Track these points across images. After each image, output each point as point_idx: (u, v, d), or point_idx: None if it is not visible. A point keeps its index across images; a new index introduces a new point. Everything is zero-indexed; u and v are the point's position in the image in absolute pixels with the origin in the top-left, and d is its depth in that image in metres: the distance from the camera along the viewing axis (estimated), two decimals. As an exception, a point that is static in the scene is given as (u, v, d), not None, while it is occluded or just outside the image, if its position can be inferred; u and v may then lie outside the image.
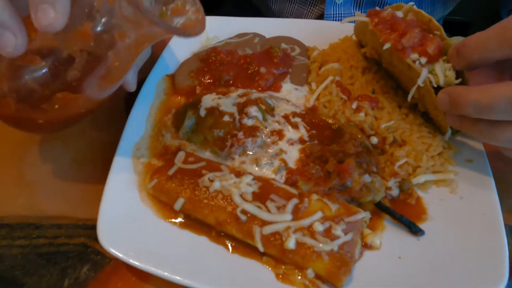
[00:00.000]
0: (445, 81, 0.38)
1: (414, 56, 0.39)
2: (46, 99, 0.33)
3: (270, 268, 0.34)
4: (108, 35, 0.33)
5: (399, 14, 0.43)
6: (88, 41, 0.33)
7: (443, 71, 0.38)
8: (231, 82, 0.47)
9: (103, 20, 0.33)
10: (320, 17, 0.75)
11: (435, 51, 0.39)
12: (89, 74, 0.34)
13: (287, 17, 0.80)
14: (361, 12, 0.73)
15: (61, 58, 0.33)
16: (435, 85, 0.38)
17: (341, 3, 0.72)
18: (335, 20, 0.74)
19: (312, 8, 0.75)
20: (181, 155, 0.39)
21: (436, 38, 0.39)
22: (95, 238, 0.35)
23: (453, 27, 1.42)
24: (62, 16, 0.28)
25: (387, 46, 0.40)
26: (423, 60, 0.38)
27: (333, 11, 0.73)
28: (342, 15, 0.73)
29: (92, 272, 0.37)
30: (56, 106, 0.34)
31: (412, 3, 0.44)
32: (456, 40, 0.39)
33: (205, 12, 0.36)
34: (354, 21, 0.50)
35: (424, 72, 0.38)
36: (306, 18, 0.78)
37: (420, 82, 0.38)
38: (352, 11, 0.73)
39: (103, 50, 0.34)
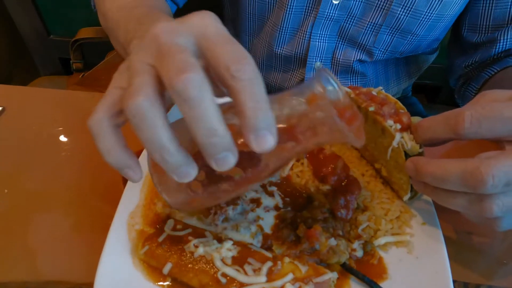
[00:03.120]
0: (412, 146, 0.44)
1: (390, 122, 0.46)
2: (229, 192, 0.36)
3: (247, 327, 0.38)
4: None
5: (374, 92, 0.51)
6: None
7: (409, 139, 0.45)
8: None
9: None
10: (302, 81, 0.84)
11: (408, 121, 0.46)
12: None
13: (273, 83, 0.89)
14: (336, 75, 0.83)
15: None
16: (407, 148, 0.45)
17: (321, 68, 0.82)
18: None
19: (294, 73, 0.85)
20: (170, 223, 0.45)
21: (408, 113, 0.47)
22: (92, 302, 0.39)
23: (424, 90, 1.55)
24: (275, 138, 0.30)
25: (371, 109, 0.47)
26: (398, 126, 0.45)
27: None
28: None
29: (87, 334, 0.40)
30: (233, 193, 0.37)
31: (381, 87, 0.52)
32: (416, 119, 0.47)
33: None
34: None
35: (398, 136, 0.45)
36: (290, 83, 0.87)
37: (395, 143, 0.45)
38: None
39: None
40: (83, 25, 1.41)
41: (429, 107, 1.33)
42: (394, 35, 0.74)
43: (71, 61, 1.47)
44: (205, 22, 0.32)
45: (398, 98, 1.03)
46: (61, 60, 1.67)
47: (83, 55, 1.49)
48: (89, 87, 1.29)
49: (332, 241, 0.42)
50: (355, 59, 0.79)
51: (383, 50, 0.77)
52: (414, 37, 0.74)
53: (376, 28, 0.73)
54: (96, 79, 1.30)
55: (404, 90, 1.02)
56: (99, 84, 1.28)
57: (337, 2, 0.70)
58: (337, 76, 0.83)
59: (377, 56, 0.78)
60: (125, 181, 0.52)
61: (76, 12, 1.48)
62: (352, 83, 0.84)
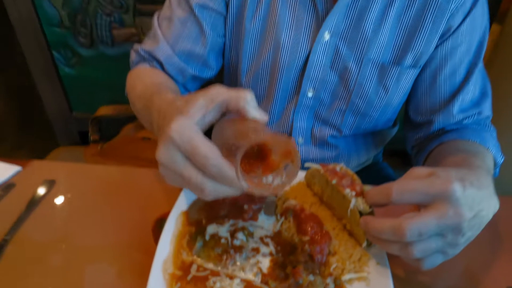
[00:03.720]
0: (363, 208, 0.63)
1: (347, 190, 0.65)
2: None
3: None
4: None
5: (337, 168, 0.71)
6: None
7: (362, 203, 0.64)
8: (225, 216, 0.72)
9: None
10: None
11: (360, 190, 0.65)
12: None
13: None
14: (315, 148, 1.03)
15: None
16: (360, 209, 0.63)
17: (302, 143, 1.03)
18: (301, 155, 1.04)
19: None
20: (194, 266, 0.62)
21: (360, 184, 0.66)
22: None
23: (399, 154, 1.77)
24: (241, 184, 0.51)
25: (334, 182, 0.67)
26: (353, 193, 0.64)
27: (298, 149, 1.03)
28: (303, 151, 1.04)
29: None
30: None
31: (343, 164, 0.71)
32: (368, 187, 0.66)
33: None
34: (307, 168, 0.77)
35: (353, 201, 0.63)
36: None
37: (351, 206, 0.63)
38: (310, 149, 1.04)
39: None
40: (103, 103, 1.64)
41: (402, 169, 1.53)
42: (356, 117, 0.97)
43: (89, 134, 1.68)
44: (177, 134, 0.49)
45: (370, 164, 1.24)
46: (79, 133, 1.89)
47: (99, 128, 1.71)
48: (107, 157, 1.49)
49: (311, 277, 0.59)
50: (328, 135, 1.01)
51: (349, 128, 0.99)
52: (371, 118, 0.97)
53: (342, 112, 0.96)
54: (113, 150, 1.50)
55: (374, 157, 1.23)
56: (116, 154, 1.48)
57: (311, 95, 0.94)
58: (316, 148, 1.04)
59: (345, 132, 1.00)
60: (156, 238, 0.70)
61: (98, 92, 1.73)
62: (328, 153, 1.05)
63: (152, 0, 1.36)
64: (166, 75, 0.93)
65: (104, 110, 1.63)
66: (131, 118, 1.58)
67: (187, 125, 0.49)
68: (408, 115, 1.01)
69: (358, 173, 1.17)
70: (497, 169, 0.90)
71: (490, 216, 0.59)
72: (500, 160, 0.87)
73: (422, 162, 0.96)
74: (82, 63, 1.64)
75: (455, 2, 0.81)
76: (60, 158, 1.68)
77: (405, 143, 1.09)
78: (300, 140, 1.02)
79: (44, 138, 2.27)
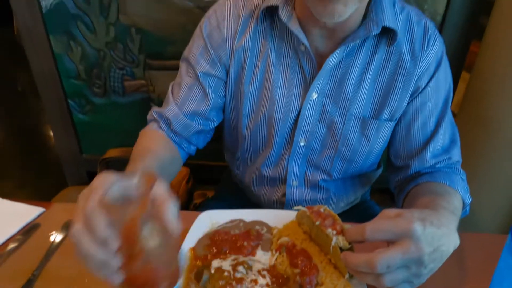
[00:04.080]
0: (343, 245, 0.74)
1: (329, 230, 0.76)
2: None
3: None
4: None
5: (322, 209, 0.82)
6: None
7: (342, 240, 0.75)
8: (227, 251, 0.83)
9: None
10: (284, 194, 1.17)
11: (340, 229, 0.76)
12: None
13: (264, 195, 1.22)
14: (308, 191, 1.15)
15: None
16: (340, 245, 0.74)
17: (296, 185, 1.15)
18: (293, 197, 1.16)
19: (278, 188, 1.18)
20: (202, 298, 0.72)
21: (340, 223, 0.78)
22: None
23: (384, 192, 1.89)
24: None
25: (317, 223, 0.78)
26: (334, 232, 0.76)
27: (291, 191, 1.15)
28: (297, 193, 1.16)
29: None
30: None
31: (326, 206, 0.83)
32: (347, 226, 0.77)
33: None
34: (298, 210, 0.89)
35: (334, 239, 0.74)
36: (275, 196, 1.19)
37: (333, 243, 0.73)
38: (303, 191, 1.16)
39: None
40: (112, 146, 1.77)
41: (390, 205, 1.65)
42: (343, 162, 1.10)
43: (97, 174, 1.79)
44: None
45: (359, 203, 1.36)
46: (87, 173, 2.01)
47: (107, 169, 1.83)
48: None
49: (302, 305, 0.69)
50: (320, 179, 1.13)
51: (338, 172, 1.12)
52: (356, 164, 1.10)
53: (331, 158, 1.09)
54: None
55: (362, 196, 1.35)
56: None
57: (303, 144, 1.07)
58: (308, 190, 1.16)
59: (334, 176, 1.13)
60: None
61: (108, 136, 1.87)
62: (320, 195, 1.17)
63: (160, 57, 1.53)
64: (162, 143, 1.05)
65: (113, 152, 1.76)
66: (138, 160, 1.71)
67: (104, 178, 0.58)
68: (389, 160, 1.15)
69: (348, 211, 1.30)
70: (467, 208, 1.02)
71: (451, 250, 0.70)
72: (468, 200, 0.99)
73: (402, 201, 1.08)
74: (94, 110, 1.79)
75: (420, 67, 0.97)
76: (69, 197, 1.79)
77: (388, 183, 1.21)
78: (294, 183, 1.15)
79: (51, 178, 2.38)
